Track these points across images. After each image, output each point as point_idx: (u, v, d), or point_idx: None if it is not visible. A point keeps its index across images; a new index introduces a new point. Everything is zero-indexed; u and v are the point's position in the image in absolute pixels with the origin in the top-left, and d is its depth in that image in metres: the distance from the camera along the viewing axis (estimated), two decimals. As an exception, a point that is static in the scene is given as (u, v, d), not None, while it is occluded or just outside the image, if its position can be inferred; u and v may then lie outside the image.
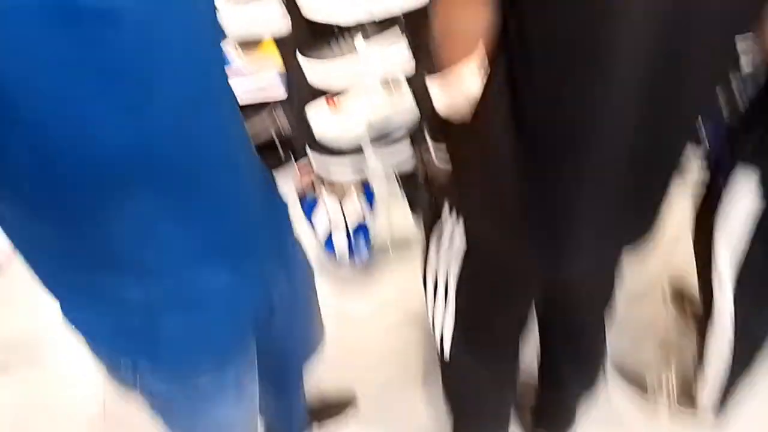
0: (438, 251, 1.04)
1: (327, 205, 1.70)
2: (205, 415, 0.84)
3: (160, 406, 0.82)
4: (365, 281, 1.95)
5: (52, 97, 0.49)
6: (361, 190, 1.74)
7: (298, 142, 1.83)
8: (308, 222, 1.73)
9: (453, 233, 0.99)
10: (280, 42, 1.69)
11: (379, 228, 1.91)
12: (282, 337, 0.94)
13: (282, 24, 1.56)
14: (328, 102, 1.57)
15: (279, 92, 1.78)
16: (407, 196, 1.91)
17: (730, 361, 1.41)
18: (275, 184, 0.88)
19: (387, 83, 1.61)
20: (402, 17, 1.51)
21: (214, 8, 0.66)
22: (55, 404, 1.71)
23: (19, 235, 0.61)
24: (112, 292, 0.65)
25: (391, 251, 1.96)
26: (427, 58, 0.89)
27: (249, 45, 1.74)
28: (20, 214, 0.57)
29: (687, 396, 1.62)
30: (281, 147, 2.07)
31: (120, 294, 0.65)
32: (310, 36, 1.51)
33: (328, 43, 1.50)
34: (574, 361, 1.30)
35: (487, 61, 0.79)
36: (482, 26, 0.75)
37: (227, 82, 0.70)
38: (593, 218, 0.89)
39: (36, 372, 1.79)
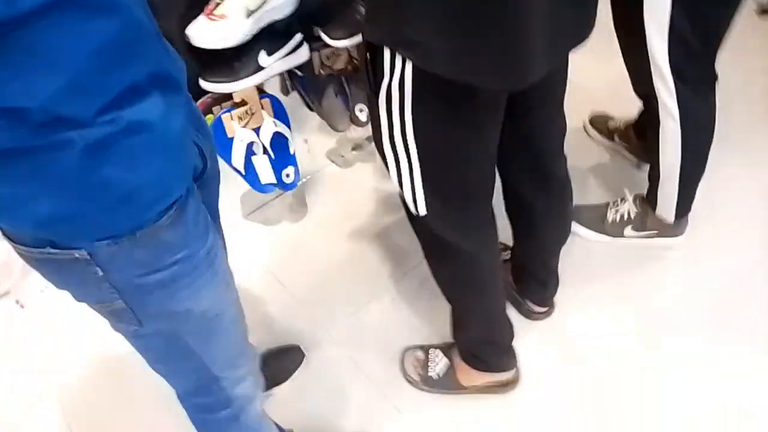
0: (389, 111, 0.97)
1: (237, 132, 1.51)
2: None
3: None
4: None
5: None
6: (269, 106, 1.56)
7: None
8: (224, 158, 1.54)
9: (402, 80, 0.90)
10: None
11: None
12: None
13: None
14: (208, 17, 1.35)
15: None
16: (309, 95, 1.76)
17: (684, 159, 1.42)
18: None
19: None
20: None
21: None
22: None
23: None
24: None
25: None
26: None
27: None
28: None
29: (646, 211, 1.64)
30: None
31: None
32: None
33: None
34: (547, 198, 1.26)
35: None
36: None
37: None
38: (544, 23, 0.85)
39: None
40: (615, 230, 1.68)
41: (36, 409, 1.52)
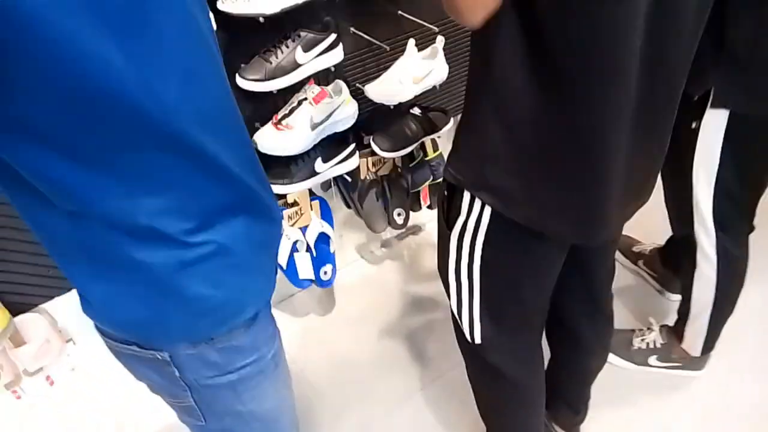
0: (460, 245, 1.00)
1: (285, 230, 1.57)
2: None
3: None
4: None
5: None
6: (317, 207, 1.63)
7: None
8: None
9: (479, 222, 0.95)
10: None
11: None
12: None
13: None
14: (275, 126, 1.44)
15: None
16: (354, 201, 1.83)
17: (716, 300, 1.46)
18: None
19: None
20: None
21: None
22: None
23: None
24: None
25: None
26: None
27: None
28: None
29: (672, 343, 1.66)
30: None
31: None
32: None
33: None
34: (594, 331, 1.28)
35: None
36: None
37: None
38: (619, 184, 0.89)
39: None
40: (640, 358, 1.69)
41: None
